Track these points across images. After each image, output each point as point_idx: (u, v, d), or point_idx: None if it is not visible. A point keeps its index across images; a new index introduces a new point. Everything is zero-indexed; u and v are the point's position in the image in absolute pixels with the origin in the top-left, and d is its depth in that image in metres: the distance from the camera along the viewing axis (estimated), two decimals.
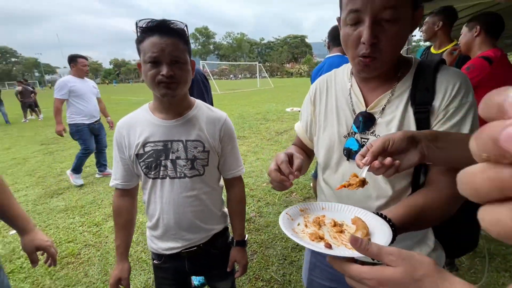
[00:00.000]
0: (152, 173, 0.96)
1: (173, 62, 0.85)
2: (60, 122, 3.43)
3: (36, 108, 10.92)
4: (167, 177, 0.96)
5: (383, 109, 0.71)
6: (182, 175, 0.96)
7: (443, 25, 2.09)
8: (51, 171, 4.47)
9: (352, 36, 0.64)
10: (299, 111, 2.81)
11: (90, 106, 3.56)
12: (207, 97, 1.68)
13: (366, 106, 0.75)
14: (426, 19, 2.20)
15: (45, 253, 1.04)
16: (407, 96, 0.69)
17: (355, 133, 0.76)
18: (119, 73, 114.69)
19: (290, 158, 0.66)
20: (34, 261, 1.02)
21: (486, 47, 1.65)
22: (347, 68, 0.85)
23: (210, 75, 29.65)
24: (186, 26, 0.90)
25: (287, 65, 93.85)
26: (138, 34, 0.87)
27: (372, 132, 0.73)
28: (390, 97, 0.71)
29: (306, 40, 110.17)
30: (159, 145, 0.94)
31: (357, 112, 0.76)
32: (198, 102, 1.04)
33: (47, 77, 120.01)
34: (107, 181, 3.92)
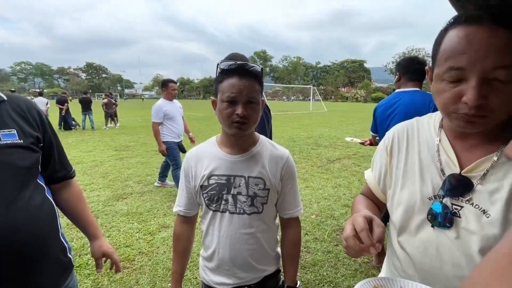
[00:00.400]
0: (214, 205, 0.98)
1: (248, 102, 0.88)
2: (161, 142, 3.85)
3: (115, 118, 12.77)
4: (227, 211, 0.97)
5: (484, 174, 0.60)
6: (242, 211, 0.96)
7: None
8: (120, 175, 5.05)
9: (450, 92, 0.56)
10: (361, 143, 2.63)
11: (179, 127, 3.96)
12: (267, 128, 1.70)
13: (461, 168, 0.64)
14: None
15: (108, 260, 1.14)
16: None
17: (444, 196, 0.65)
18: (183, 90, 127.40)
19: (369, 224, 0.60)
20: (99, 267, 1.13)
21: None
22: (434, 118, 0.76)
23: (264, 96, 30.53)
24: (262, 68, 0.93)
25: (343, 89, 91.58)
26: (217, 74, 0.93)
27: (468, 200, 0.62)
28: (494, 161, 0.60)
29: (365, 64, 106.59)
30: (222, 179, 0.97)
31: (447, 173, 0.66)
32: (262, 138, 1.06)
33: (126, 90, 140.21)
34: (164, 191, 4.24)
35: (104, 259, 1.14)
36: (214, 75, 0.98)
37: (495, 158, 0.60)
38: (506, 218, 0.56)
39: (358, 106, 36.73)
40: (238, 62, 0.89)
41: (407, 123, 0.81)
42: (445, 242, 0.64)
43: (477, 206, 0.60)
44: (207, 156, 1.01)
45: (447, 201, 0.64)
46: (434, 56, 0.61)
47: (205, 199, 0.99)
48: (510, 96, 0.52)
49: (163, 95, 3.94)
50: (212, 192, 0.97)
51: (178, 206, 1.07)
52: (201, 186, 0.99)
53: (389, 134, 0.83)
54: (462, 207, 0.62)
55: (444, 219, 0.64)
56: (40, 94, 11.45)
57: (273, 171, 0.99)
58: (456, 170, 0.64)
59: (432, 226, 0.66)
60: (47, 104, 10.54)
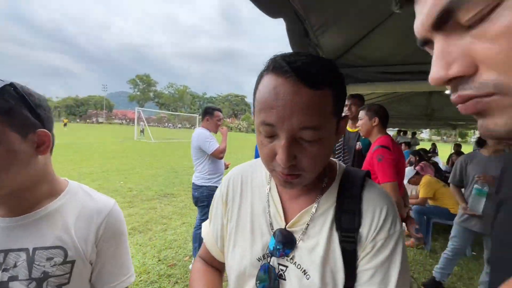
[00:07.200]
0: None
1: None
2: None
3: None
4: None
5: (306, 228, 0.56)
6: None
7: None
8: None
9: (267, 148, 0.49)
10: None
11: (222, 166, 2.82)
12: None
13: (286, 221, 0.59)
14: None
15: None
16: (331, 216, 0.54)
17: (271, 255, 0.57)
18: None
19: None
20: None
21: (381, 134, 1.97)
22: None
23: (145, 122, 28.49)
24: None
25: (228, 119, 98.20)
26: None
27: (291, 259, 0.55)
28: (313, 213, 0.57)
29: (246, 99, 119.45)
30: None
31: (275, 227, 0.59)
32: (72, 185, 0.75)
33: None
34: None
35: None
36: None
37: (314, 210, 0.57)
38: (323, 280, 0.51)
39: (240, 135, 39.86)
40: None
41: (244, 166, 0.72)
42: None
43: (299, 266, 0.54)
44: None
45: (274, 261, 0.57)
46: (253, 103, 0.55)
47: None
48: (317, 153, 0.49)
49: (203, 124, 2.79)
50: None
51: None
52: None
53: (225, 178, 0.72)
54: (287, 267, 0.55)
55: (271, 283, 0.56)
56: None
57: (83, 234, 0.69)
58: (282, 223, 0.58)
59: None
60: None
